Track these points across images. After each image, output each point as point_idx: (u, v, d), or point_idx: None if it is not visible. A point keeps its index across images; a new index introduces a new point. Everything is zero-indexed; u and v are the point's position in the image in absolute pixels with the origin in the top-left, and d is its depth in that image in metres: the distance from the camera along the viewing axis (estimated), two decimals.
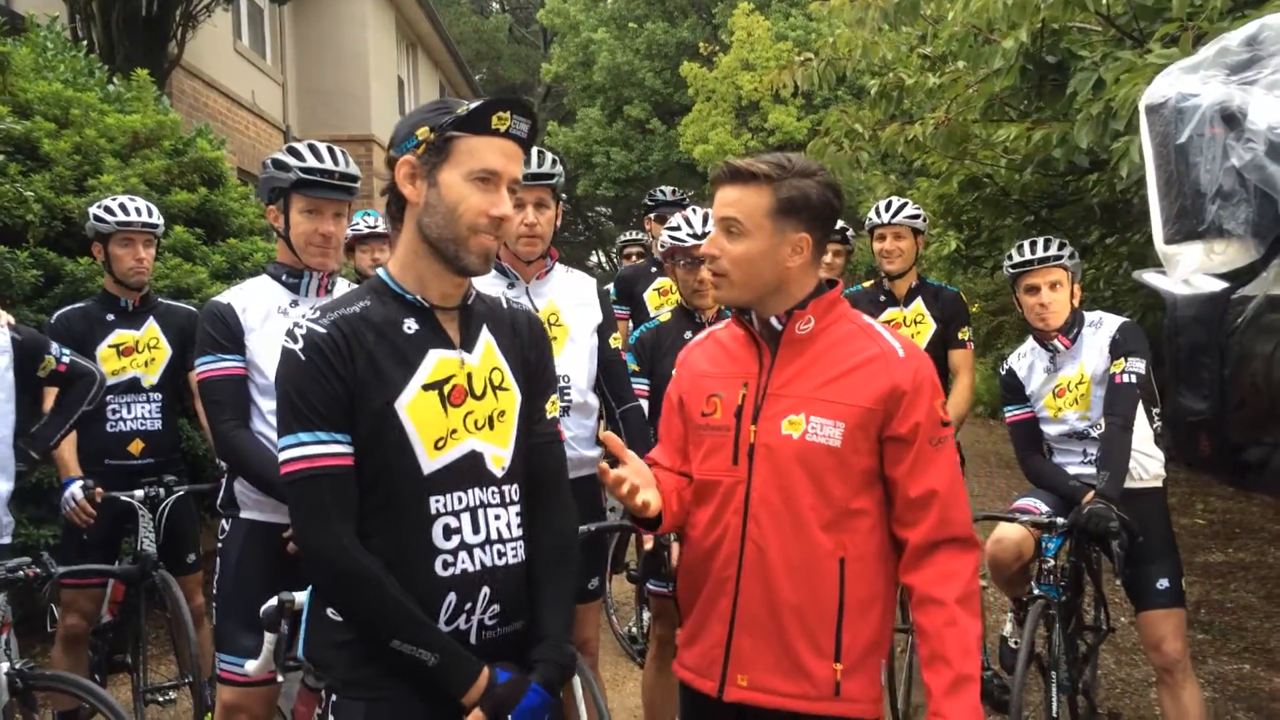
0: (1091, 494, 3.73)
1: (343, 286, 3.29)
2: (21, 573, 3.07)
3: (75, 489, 4.07)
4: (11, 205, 5.40)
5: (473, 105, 1.99)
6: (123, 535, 4.43)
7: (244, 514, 3.15)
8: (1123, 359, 3.82)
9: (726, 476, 2.23)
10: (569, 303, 3.56)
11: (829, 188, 2.22)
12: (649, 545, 3.56)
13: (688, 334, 3.74)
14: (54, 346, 3.76)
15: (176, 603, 4.12)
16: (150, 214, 4.38)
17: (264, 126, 15.26)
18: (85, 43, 8.80)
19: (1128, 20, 4.81)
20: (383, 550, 1.95)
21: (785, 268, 2.21)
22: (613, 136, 25.70)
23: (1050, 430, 4.12)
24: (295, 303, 3.17)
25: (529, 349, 2.20)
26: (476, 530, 2.01)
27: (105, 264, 4.40)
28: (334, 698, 2.00)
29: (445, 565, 1.98)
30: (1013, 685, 3.72)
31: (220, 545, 3.22)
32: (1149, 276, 1.81)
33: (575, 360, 3.52)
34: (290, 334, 1.98)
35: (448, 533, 1.99)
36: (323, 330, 1.96)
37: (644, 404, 3.73)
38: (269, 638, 2.52)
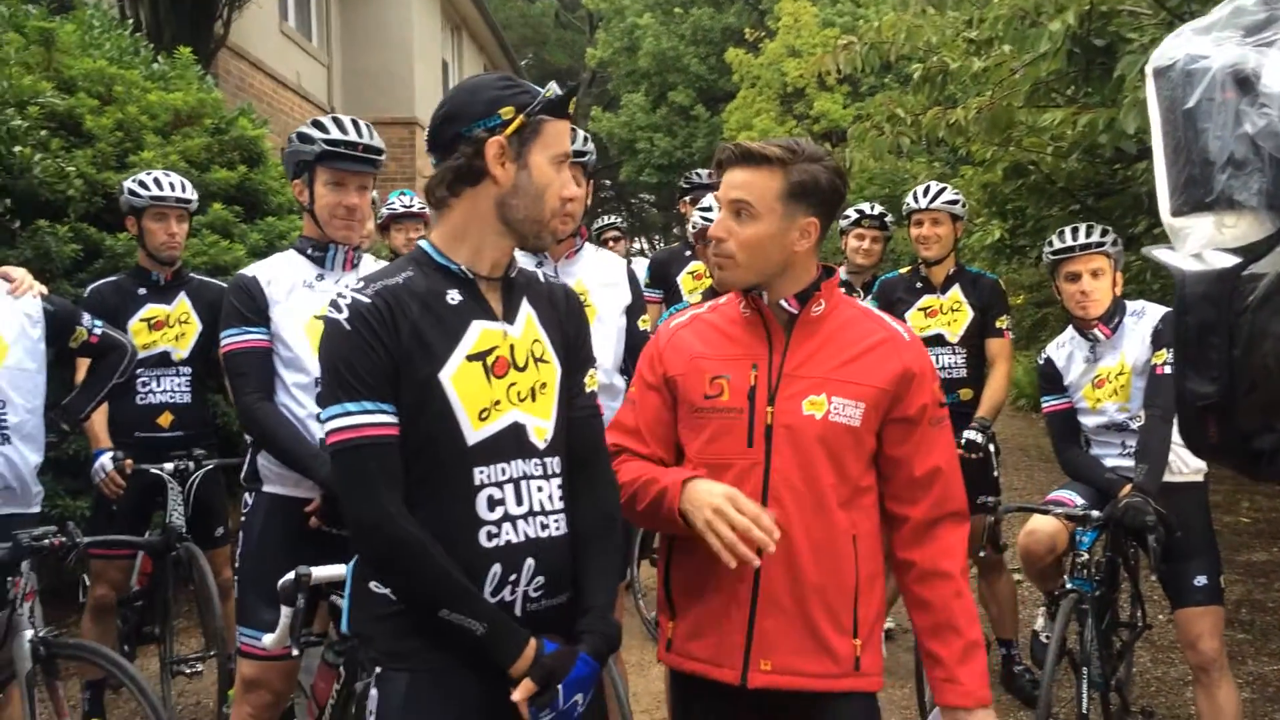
0: (1129, 487, 3.65)
1: (369, 262, 3.28)
2: (47, 541, 3.09)
3: (105, 460, 4.11)
4: (53, 180, 5.44)
5: (560, 90, 2.02)
6: (152, 507, 4.46)
7: (266, 488, 3.16)
8: (1165, 350, 3.73)
9: (740, 459, 2.20)
10: (597, 283, 3.53)
11: (837, 173, 2.22)
12: None
13: None
14: (86, 318, 3.78)
15: (203, 575, 4.15)
16: (184, 189, 4.40)
17: (309, 108, 15.33)
18: (132, 21, 8.87)
19: (1179, 2, 4.68)
20: (427, 522, 1.94)
21: (793, 251, 2.20)
22: (656, 122, 25.60)
23: (1088, 421, 4.03)
24: (321, 276, 3.17)
25: (567, 323, 2.19)
26: (520, 502, 2.01)
27: (138, 238, 4.43)
28: (378, 669, 2.00)
29: (490, 536, 1.98)
30: (1043, 680, 3.64)
31: (244, 519, 3.22)
32: (1158, 252, 1.72)
33: (603, 341, 3.48)
34: (334, 304, 1.97)
35: (491, 504, 1.98)
36: (367, 300, 1.95)
37: None
38: (285, 612, 2.53)
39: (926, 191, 4.94)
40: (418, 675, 1.96)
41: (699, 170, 6.85)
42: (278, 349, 3.10)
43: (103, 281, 4.48)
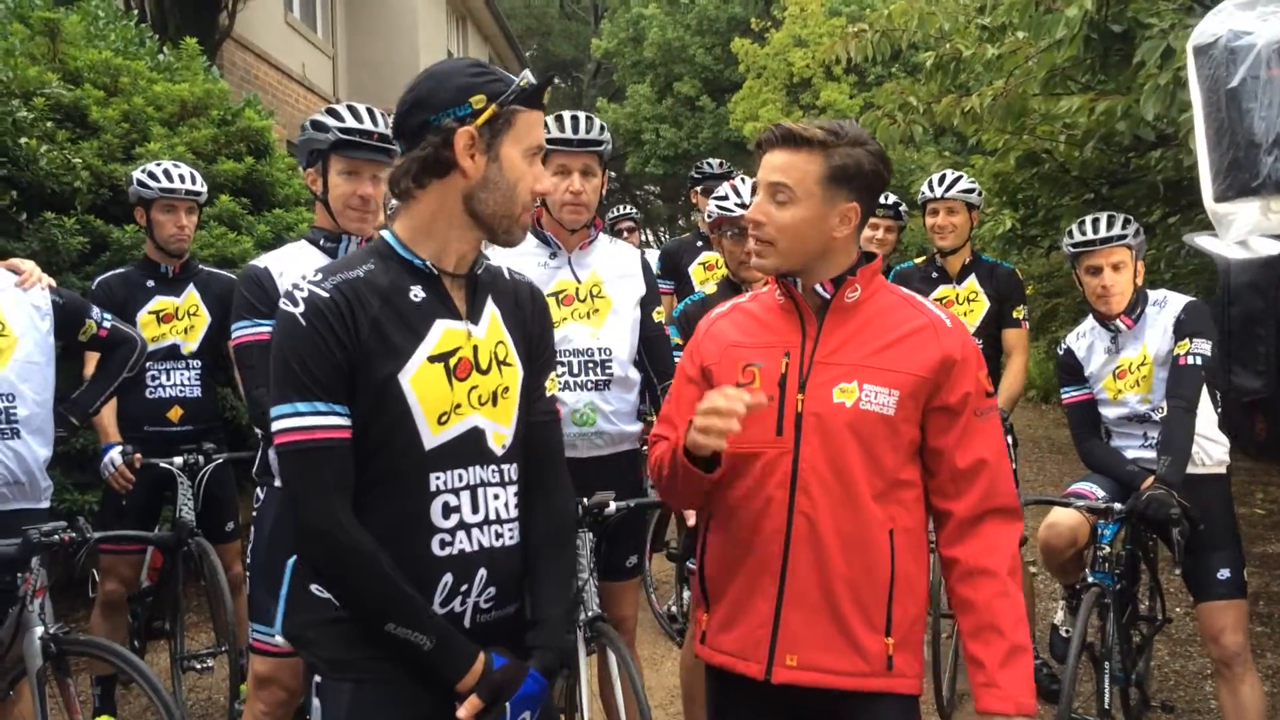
0: (1151, 479, 3.60)
1: None
2: (57, 537, 3.05)
3: (114, 454, 4.07)
4: (59, 172, 5.39)
5: (535, 80, 1.93)
6: (162, 502, 4.43)
7: (278, 482, 3.11)
8: (1188, 340, 3.67)
9: (769, 448, 2.14)
10: (612, 274, 3.49)
11: (880, 158, 2.15)
12: (691, 522, 3.48)
13: None
14: (95, 311, 3.75)
15: (213, 570, 4.12)
16: (193, 181, 4.36)
17: (314, 99, 15.29)
18: (136, 13, 8.82)
19: None
20: (378, 527, 1.87)
21: (831, 237, 2.14)
22: (662, 113, 25.50)
23: (1109, 413, 3.98)
24: None
25: (531, 322, 2.12)
26: (476, 509, 1.95)
27: (147, 229, 4.39)
28: (317, 678, 1.93)
29: (443, 544, 1.91)
30: (1062, 675, 3.60)
31: (255, 514, 3.18)
32: (1200, 240, 1.67)
33: (617, 333, 3.44)
34: (289, 296, 1.87)
35: (447, 511, 1.92)
36: (325, 295, 1.86)
37: None
38: None
39: (942, 180, 4.88)
40: (363, 685, 1.89)
41: (710, 160, 6.80)
42: None
43: (110, 274, 4.44)
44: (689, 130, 25.22)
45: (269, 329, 3.02)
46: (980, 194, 5.03)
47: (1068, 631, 4.04)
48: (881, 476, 2.12)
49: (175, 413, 4.34)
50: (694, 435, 2.02)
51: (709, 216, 3.85)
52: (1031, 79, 5.40)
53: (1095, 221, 3.86)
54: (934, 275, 4.97)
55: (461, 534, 1.93)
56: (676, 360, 3.58)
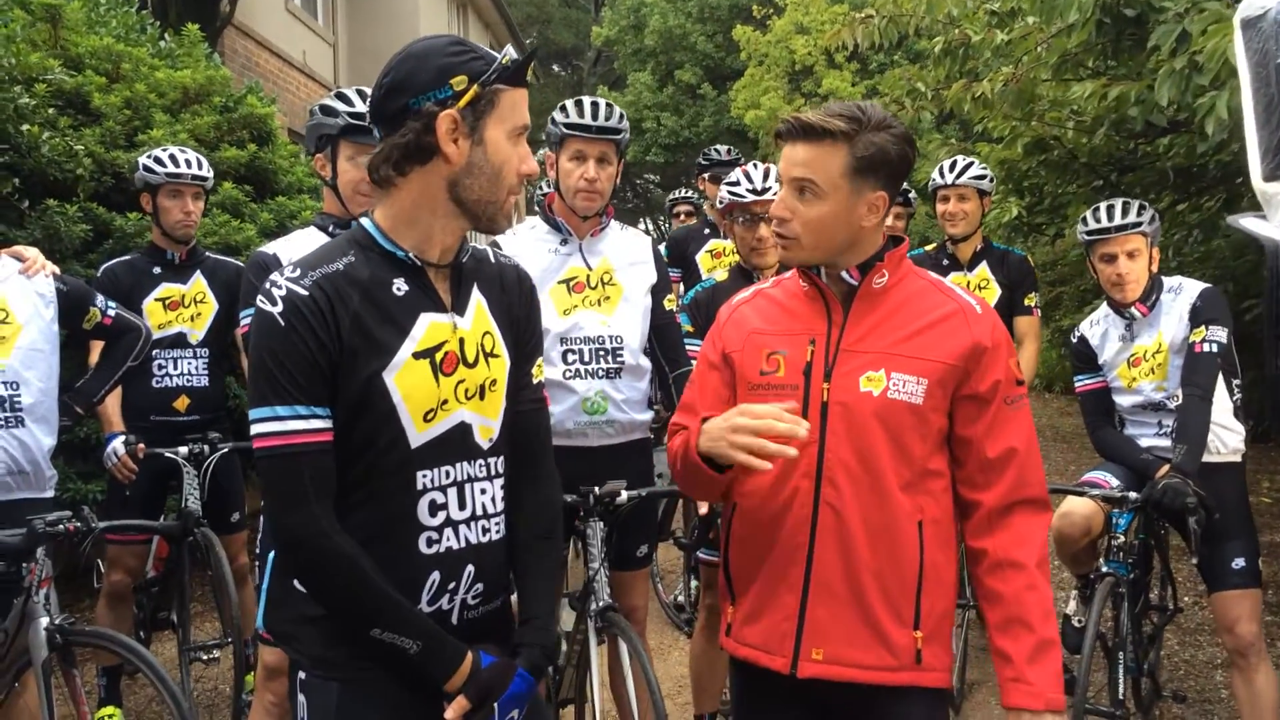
0: (1166, 468, 3.56)
1: None
2: (61, 527, 3.02)
3: (117, 444, 4.03)
4: (61, 159, 5.36)
5: (517, 57, 1.85)
6: (167, 492, 4.41)
7: None
8: (1203, 327, 3.63)
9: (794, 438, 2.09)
10: (623, 261, 3.45)
11: (906, 141, 2.07)
12: (703, 511, 3.45)
13: None
14: (99, 299, 3.71)
15: (219, 561, 4.09)
16: (200, 166, 4.32)
17: (315, 87, 15.22)
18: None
19: None
20: (364, 527, 1.81)
21: (860, 228, 2.08)
22: (663, 101, 25.43)
23: (1123, 401, 3.94)
24: None
25: (518, 308, 2.04)
26: (463, 506, 1.90)
27: (153, 215, 4.35)
28: (301, 675, 1.89)
29: (430, 543, 1.86)
30: (1074, 666, 3.57)
31: (264, 503, 3.15)
32: (1245, 221, 1.62)
33: (628, 320, 3.41)
34: (266, 294, 1.79)
35: (434, 509, 1.86)
36: (304, 292, 1.77)
37: None
38: None
39: (953, 167, 4.83)
40: (349, 685, 1.84)
41: (717, 147, 6.76)
42: None
43: (116, 260, 4.40)
44: (690, 118, 25.15)
45: None
46: (992, 180, 4.97)
47: (1079, 621, 4.01)
48: (909, 467, 2.06)
49: (182, 402, 4.30)
50: (720, 446, 1.96)
51: (719, 203, 3.80)
52: (1042, 64, 5.35)
53: (1110, 208, 3.81)
54: (945, 263, 4.93)
55: (449, 531, 1.88)
56: (688, 347, 3.56)
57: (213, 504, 4.23)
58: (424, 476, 1.85)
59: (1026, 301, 4.86)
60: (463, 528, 1.90)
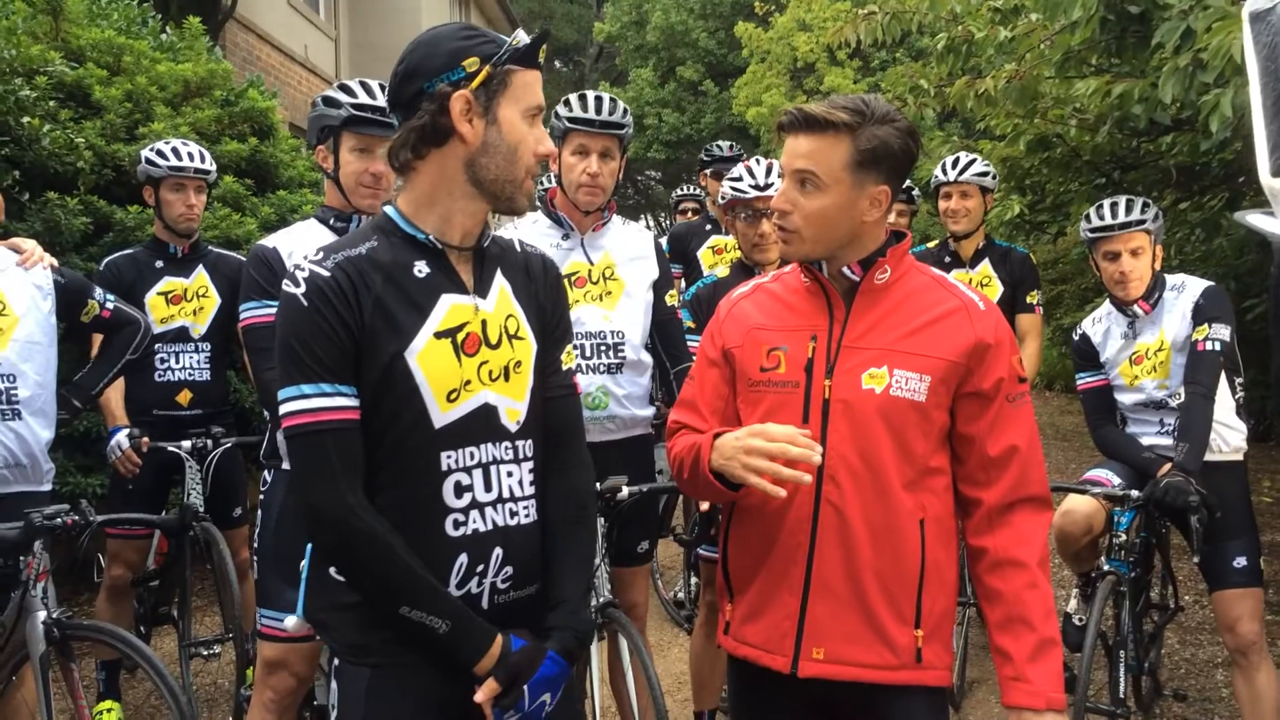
0: (1169, 466, 3.56)
1: None
2: (59, 520, 3.00)
3: (121, 438, 4.02)
4: (62, 152, 5.34)
5: (529, 37, 1.87)
6: (169, 486, 4.39)
7: (286, 465, 3.07)
8: (1206, 325, 3.63)
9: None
10: (625, 256, 3.44)
11: (910, 134, 2.05)
12: (704, 507, 3.45)
13: None
14: (98, 291, 3.69)
15: (220, 556, 4.07)
16: (203, 159, 4.30)
17: (316, 81, 15.21)
18: None
19: None
20: (390, 509, 1.83)
21: (861, 222, 2.06)
22: (665, 98, 25.39)
23: (1125, 399, 3.93)
24: None
25: (544, 294, 2.06)
26: (489, 488, 1.90)
27: (155, 208, 4.33)
28: (336, 661, 1.91)
29: (456, 525, 1.87)
30: (1075, 664, 3.57)
31: (262, 497, 3.14)
32: (1252, 217, 1.60)
33: (630, 316, 3.40)
34: (291, 277, 1.83)
35: (459, 490, 1.87)
36: (326, 274, 1.81)
37: None
38: None
39: (956, 163, 4.82)
40: (381, 671, 1.86)
41: (719, 143, 6.74)
42: None
43: (119, 254, 4.38)
44: (691, 115, 25.12)
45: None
46: (994, 177, 4.96)
47: (1080, 620, 4.00)
48: (912, 465, 2.04)
49: (185, 396, 4.28)
50: (733, 466, 1.96)
51: (721, 198, 3.79)
52: (1045, 62, 5.34)
53: (1114, 206, 3.80)
54: (947, 260, 4.92)
55: (475, 513, 1.88)
56: (689, 343, 3.55)
57: (215, 499, 4.22)
58: (448, 458, 1.86)
59: (1029, 299, 4.85)
60: (489, 510, 1.90)
